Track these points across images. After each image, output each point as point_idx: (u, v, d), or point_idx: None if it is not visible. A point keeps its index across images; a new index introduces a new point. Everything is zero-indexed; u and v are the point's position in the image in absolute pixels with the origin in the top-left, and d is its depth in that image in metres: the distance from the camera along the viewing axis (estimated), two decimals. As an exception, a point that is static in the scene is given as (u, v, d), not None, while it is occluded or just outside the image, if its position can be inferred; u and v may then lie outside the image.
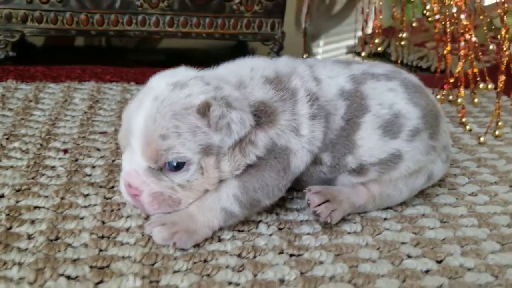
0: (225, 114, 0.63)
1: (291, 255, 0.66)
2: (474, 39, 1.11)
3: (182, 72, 0.70)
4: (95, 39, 1.65)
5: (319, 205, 0.71)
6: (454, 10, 1.13)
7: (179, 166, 0.64)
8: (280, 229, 0.71)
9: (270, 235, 0.70)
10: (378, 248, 0.69)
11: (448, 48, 1.17)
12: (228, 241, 0.67)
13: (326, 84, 0.72)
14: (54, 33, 1.33)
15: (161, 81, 0.67)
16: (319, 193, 0.72)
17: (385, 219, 0.76)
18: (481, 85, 1.09)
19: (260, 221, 0.72)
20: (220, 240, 0.68)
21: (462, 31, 1.13)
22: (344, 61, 0.78)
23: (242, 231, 0.70)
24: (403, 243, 0.71)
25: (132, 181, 0.65)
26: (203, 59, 1.54)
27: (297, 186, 0.78)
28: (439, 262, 0.67)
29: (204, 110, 0.63)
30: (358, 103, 0.72)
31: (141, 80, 1.24)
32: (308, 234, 0.71)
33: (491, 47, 1.15)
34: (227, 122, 0.63)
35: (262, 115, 0.67)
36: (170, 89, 0.64)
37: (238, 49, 1.68)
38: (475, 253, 0.69)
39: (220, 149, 0.64)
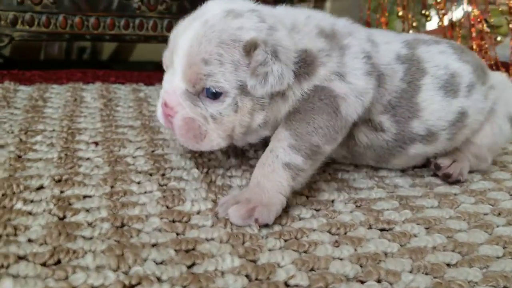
0: (267, 62, 0.58)
1: (382, 230, 0.61)
2: (486, 29, 1.13)
3: (241, 1, 0.65)
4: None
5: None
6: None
7: (216, 95, 0.61)
8: (358, 206, 0.66)
9: (351, 212, 0.64)
10: (464, 220, 0.65)
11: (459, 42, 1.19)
12: (311, 219, 0.62)
13: (383, 49, 0.71)
14: (46, 37, 1.24)
15: (217, 6, 0.63)
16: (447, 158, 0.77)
17: (455, 194, 0.73)
18: (496, 73, 1.11)
19: (333, 200, 0.67)
20: (301, 219, 0.62)
21: (472, 22, 1.14)
22: (396, 32, 0.81)
23: (320, 210, 0.64)
24: (485, 214, 0.68)
25: (169, 100, 0.63)
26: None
27: (356, 161, 0.77)
28: (527, 229, 0.64)
29: (249, 49, 0.59)
30: (416, 66, 0.72)
31: (149, 82, 1.17)
32: (388, 210, 0.66)
33: (498, 38, 1.18)
34: (266, 71, 0.58)
35: (301, 65, 0.63)
36: (223, 15, 0.61)
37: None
38: (557, 220, 0.67)
39: (257, 98, 0.61)
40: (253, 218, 0.58)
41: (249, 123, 0.63)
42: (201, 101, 0.62)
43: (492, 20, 1.19)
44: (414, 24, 1.39)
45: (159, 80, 1.17)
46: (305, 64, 0.63)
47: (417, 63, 0.72)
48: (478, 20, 1.14)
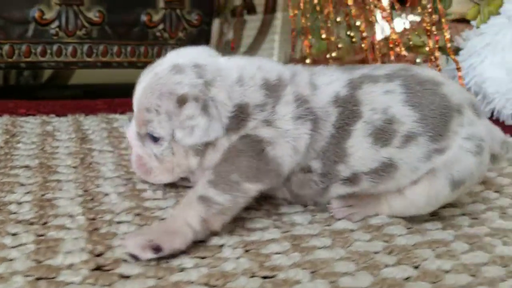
0: (195, 116, 0.64)
1: (265, 277, 0.59)
2: (404, 53, 1.14)
3: (194, 55, 0.71)
4: None
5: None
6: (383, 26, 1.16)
7: (155, 139, 0.70)
8: (246, 251, 0.65)
9: (238, 258, 0.63)
10: (353, 260, 0.64)
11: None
12: (192, 269, 0.59)
13: (321, 91, 0.71)
14: (-45, 66, 1.18)
15: (169, 59, 0.70)
16: (343, 200, 0.74)
17: (351, 230, 0.72)
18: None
19: (222, 245, 0.65)
20: (182, 270, 0.59)
21: (391, 45, 1.15)
22: (350, 67, 0.76)
23: (205, 257, 0.62)
24: (375, 252, 0.67)
25: (129, 138, 0.74)
26: (124, 93, 1.40)
27: (297, 202, 0.78)
28: (416, 267, 0.64)
29: (181, 103, 0.65)
30: (350, 110, 0.69)
31: (61, 112, 1.13)
32: (277, 253, 0.64)
33: (418, 60, 1.19)
34: (193, 125, 0.65)
35: (233, 120, 0.68)
36: (169, 69, 0.68)
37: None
38: (448, 255, 0.67)
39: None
40: (151, 248, 0.58)
41: (186, 165, 0.71)
42: (147, 142, 0.71)
43: (411, 42, 1.20)
44: (340, 45, 1.40)
45: (73, 109, 1.13)
46: (237, 120, 0.68)
47: (352, 106, 0.69)
48: (396, 43, 1.15)
